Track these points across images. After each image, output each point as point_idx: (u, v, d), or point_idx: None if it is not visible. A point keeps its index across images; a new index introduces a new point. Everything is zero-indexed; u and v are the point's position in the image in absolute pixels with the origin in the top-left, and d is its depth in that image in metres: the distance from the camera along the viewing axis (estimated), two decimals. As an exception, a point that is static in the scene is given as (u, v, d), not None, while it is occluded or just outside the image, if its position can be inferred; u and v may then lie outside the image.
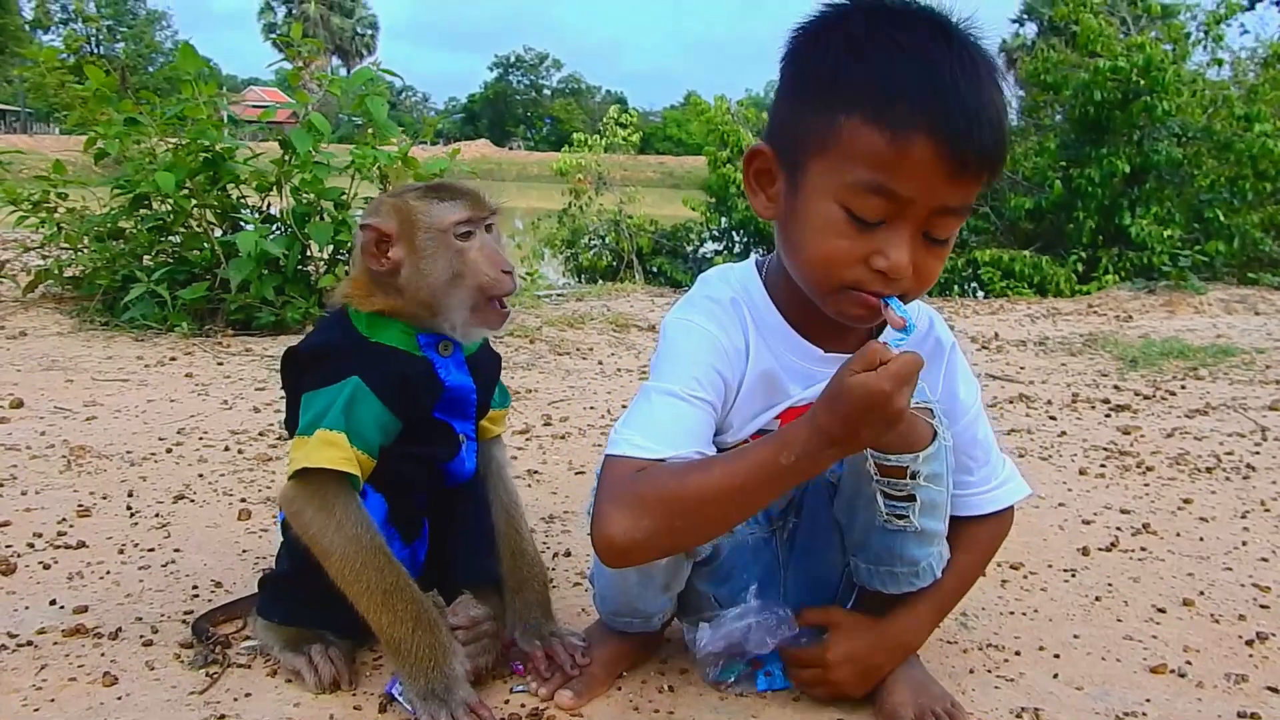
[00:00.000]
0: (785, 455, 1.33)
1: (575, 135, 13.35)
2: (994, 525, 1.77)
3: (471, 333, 1.78)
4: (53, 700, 1.64)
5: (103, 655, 1.79)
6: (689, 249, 12.61)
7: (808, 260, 1.45)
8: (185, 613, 1.97)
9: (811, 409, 1.33)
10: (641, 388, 1.57)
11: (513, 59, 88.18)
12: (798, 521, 1.77)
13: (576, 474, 3.05)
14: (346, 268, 3.70)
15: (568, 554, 2.40)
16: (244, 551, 2.32)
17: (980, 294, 9.38)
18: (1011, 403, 4.23)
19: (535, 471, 3.06)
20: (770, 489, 1.39)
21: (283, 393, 1.83)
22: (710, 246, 12.63)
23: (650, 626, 1.79)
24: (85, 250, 5.43)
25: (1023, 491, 1.79)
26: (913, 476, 1.53)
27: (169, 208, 5.18)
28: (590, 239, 12.84)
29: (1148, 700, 1.77)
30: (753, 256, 1.70)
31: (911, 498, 1.55)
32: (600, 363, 4.97)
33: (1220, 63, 10.64)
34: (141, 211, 5.29)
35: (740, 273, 1.66)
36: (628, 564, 1.49)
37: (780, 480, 1.37)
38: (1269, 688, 1.83)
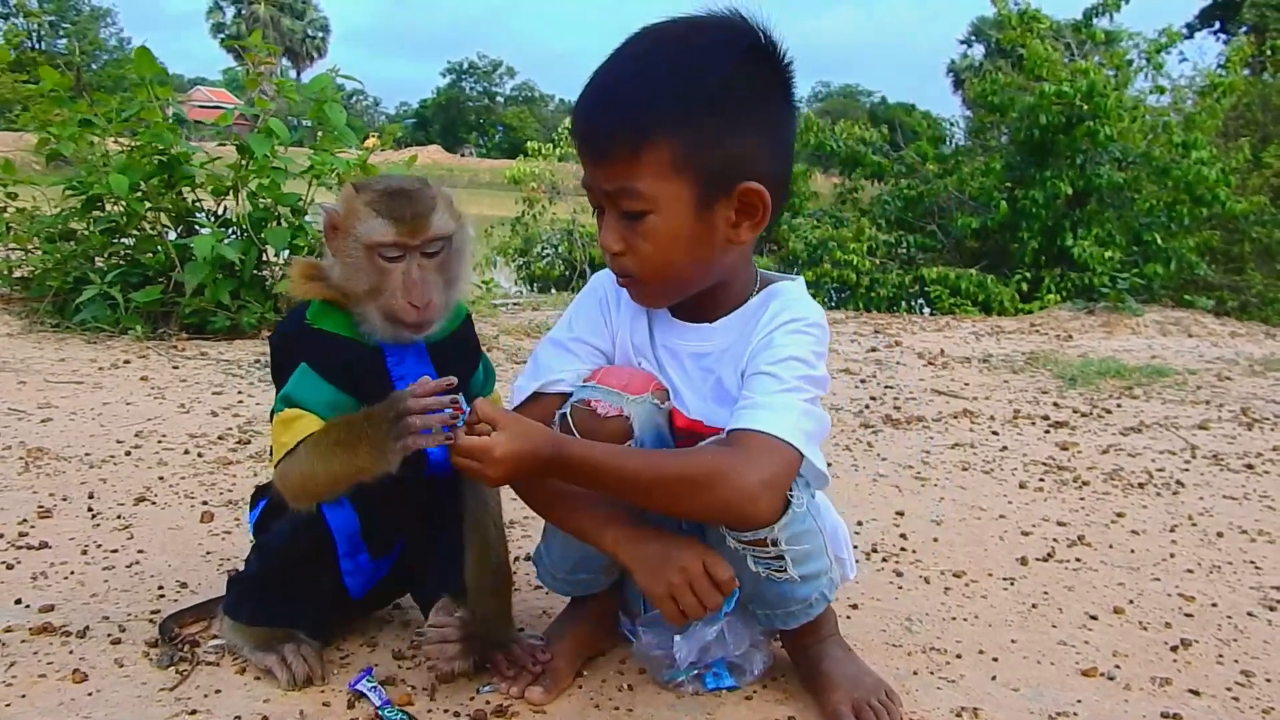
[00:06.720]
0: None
1: (529, 144, 13.34)
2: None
3: (389, 338, 1.71)
4: (24, 696, 1.67)
5: (71, 653, 1.82)
6: (641, 260, 12.66)
7: None
8: (152, 612, 2.00)
9: (639, 533, 1.62)
10: None
11: (466, 65, 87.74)
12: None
13: (534, 481, 3.10)
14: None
15: (529, 558, 2.45)
16: (208, 553, 2.35)
17: (927, 310, 9.56)
18: (956, 418, 4.36)
19: (494, 478, 3.09)
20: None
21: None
22: (662, 257, 12.69)
23: (599, 584, 1.86)
24: (35, 251, 5.37)
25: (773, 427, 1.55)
26: (774, 544, 1.61)
27: (122, 210, 5.15)
28: (543, 248, 12.85)
29: (1079, 701, 1.87)
30: None
31: (781, 557, 1.63)
32: (555, 372, 5.00)
33: (1161, 90, 10.92)
34: (94, 213, 5.25)
35: None
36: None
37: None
38: (1191, 690, 1.94)
